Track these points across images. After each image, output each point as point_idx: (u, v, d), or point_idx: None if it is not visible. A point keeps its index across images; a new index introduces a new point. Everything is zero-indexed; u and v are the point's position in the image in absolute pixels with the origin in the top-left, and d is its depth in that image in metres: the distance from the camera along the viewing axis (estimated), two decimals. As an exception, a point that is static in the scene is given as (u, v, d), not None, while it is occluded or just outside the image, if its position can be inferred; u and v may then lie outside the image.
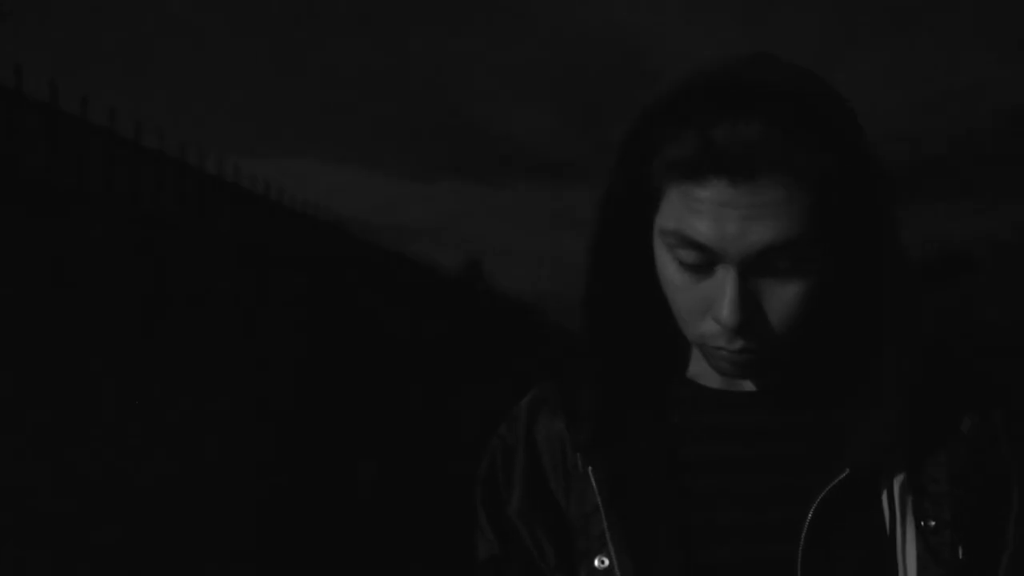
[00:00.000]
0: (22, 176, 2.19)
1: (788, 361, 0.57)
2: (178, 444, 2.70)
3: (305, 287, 3.65)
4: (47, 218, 2.26)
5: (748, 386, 0.61)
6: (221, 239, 3.06)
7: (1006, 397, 0.64)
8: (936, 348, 0.61)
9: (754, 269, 0.53)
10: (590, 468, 0.57)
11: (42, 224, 2.25)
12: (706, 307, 0.53)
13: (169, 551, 2.58)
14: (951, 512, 0.57)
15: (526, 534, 0.63)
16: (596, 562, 0.58)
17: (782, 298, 0.54)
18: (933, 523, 0.58)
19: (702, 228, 0.51)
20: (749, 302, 0.53)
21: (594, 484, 0.58)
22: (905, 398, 0.55)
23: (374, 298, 4.29)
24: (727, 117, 0.50)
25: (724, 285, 0.52)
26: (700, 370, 0.61)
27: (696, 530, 0.58)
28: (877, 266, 0.55)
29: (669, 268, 0.53)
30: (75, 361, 2.32)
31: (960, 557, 0.56)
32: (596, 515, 0.59)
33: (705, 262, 0.52)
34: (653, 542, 0.59)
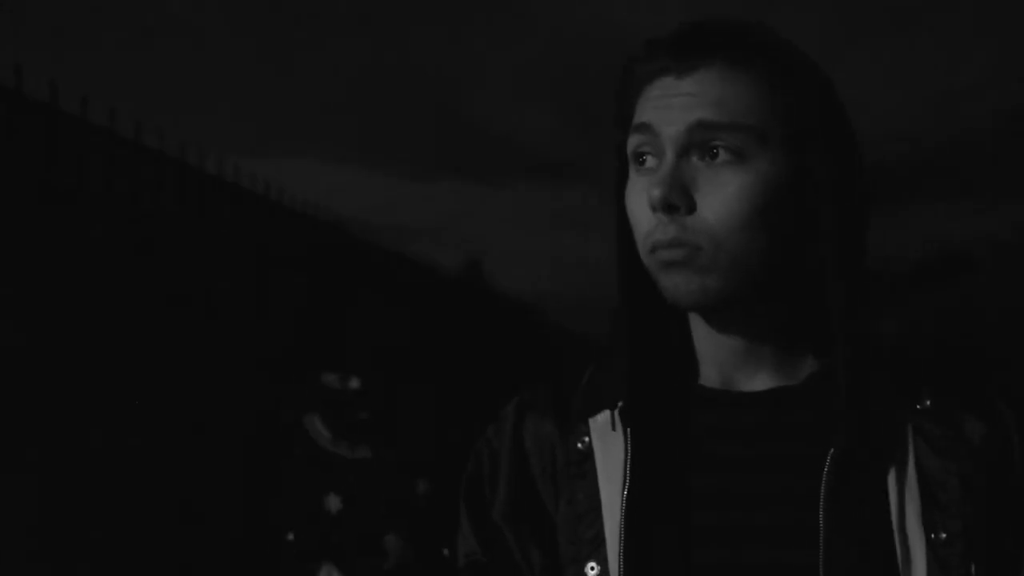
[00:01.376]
0: (22, 176, 2.19)
1: (743, 295, 0.57)
2: (179, 445, 2.70)
3: (305, 287, 3.65)
4: (47, 218, 2.26)
5: (748, 386, 0.63)
6: (221, 239, 3.07)
7: (1019, 404, 0.65)
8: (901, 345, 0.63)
9: (692, 152, 0.56)
10: (628, 430, 0.58)
11: (42, 224, 2.25)
12: (645, 212, 0.57)
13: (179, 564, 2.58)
14: (963, 524, 0.57)
15: (511, 538, 0.64)
16: (587, 568, 0.59)
17: (716, 185, 0.56)
18: (944, 535, 0.58)
19: (649, 111, 0.57)
20: (679, 181, 0.55)
21: (628, 443, 0.57)
22: (846, 384, 0.56)
23: (374, 298, 4.29)
24: (678, 31, 0.58)
25: (656, 164, 0.57)
26: (703, 372, 0.63)
27: (696, 530, 0.60)
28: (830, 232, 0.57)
29: (631, 181, 0.59)
30: (75, 361, 2.32)
31: (973, 572, 0.55)
32: (589, 516, 0.61)
33: (644, 153, 0.58)
34: (654, 540, 0.61)
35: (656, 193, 0.56)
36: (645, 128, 0.58)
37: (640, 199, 0.58)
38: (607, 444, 0.59)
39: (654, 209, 0.56)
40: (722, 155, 0.56)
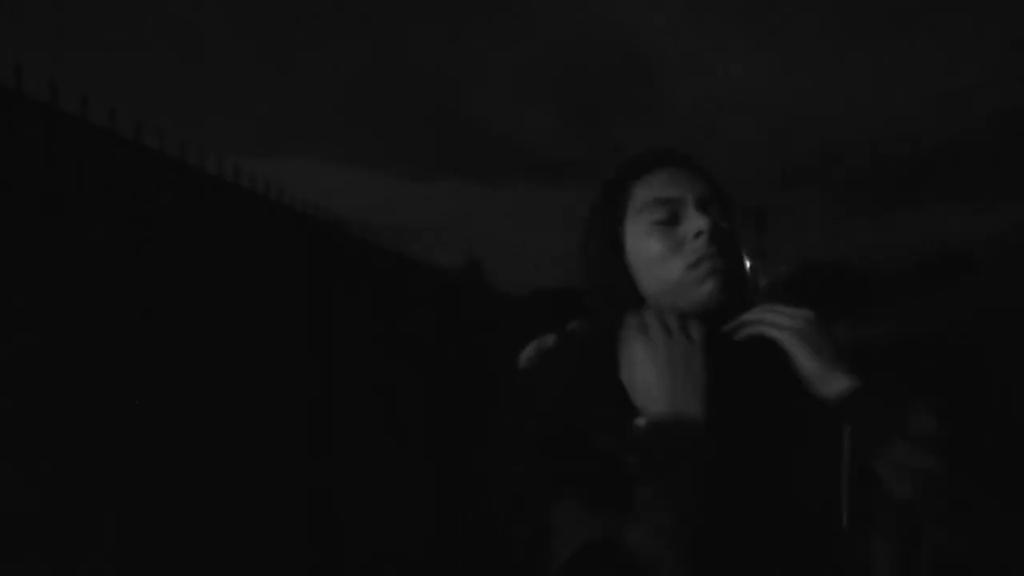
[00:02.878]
0: (22, 176, 2.19)
1: (738, 303, 0.90)
2: (180, 446, 2.70)
3: (306, 287, 3.65)
4: (47, 218, 2.26)
5: None
6: (221, 239, 3.07)
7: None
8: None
9: (704, 210, 0.91)
10: None
11: (42, 224, 2.25)
12: (680, 245, 0.89)
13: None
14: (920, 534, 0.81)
15: None
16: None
17: (723, 229, 0.89)
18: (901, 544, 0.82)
19: (667, 188, 0.90)
20: (714, 223, 0.89)
21: None
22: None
23: (373, 298, 4.29)
24: (652, 148, 0.92)
25: (691, 216, 0.89)
26: None
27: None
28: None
29: (649, 239, 0.90)
30: (75, 361, 2.32)
31: None
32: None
33: (671, 214, 0.90)
34: None
35: (704, 223, 0.87)
36: (668, 200, 0.90)
37: (667, 244, 0.88)
38: None
39: (699, 235, 0.87)
40: (716, 212, 0.91)
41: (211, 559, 2.77)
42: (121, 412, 2.47)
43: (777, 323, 0.86)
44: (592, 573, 0.75)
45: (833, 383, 0.86)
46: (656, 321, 0.84)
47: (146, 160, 2.72)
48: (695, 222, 0.86)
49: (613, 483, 0.80)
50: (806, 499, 0.81)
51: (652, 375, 0.82)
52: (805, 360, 0.85)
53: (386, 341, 4.37)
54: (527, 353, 1.15)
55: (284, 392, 3.40)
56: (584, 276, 0.94)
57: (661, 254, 0.88)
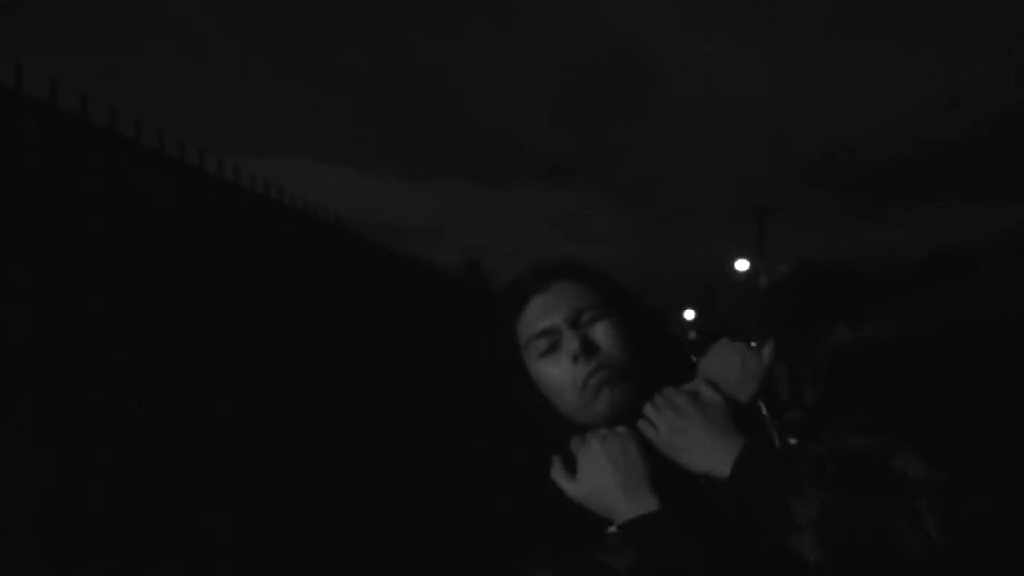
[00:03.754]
0: (22, 176, 2.19)
1: (649, 385, 0.96)
2: (182, 447, 2.70)
3: (306, 287, 3.65)
4: (47, 218, 2.26)
5: None
6: (221, 239, 3.06)
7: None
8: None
9: (578, 326, 0.97)
10: None
11: (42, 224, 2.25)
12: (568, 369, 0.96)
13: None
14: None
15: None
16: None
17: (601, 334, 0.96)
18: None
19: (540, 320, 0.97)
20: (583, 339, 0.95)
21: None
22: None
23: (373, 297, 4.29)
24: (517, 279, 1.01)
25: (566, 340, 0.96)
26: None
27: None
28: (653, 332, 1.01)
29: (540, 373, 0.98)
30: (74, 362, 2.32)
31: None
32: None
33: (552, 343, 0.97)
34: None
35: (575, 346, 0.95)
36: (547, 331, 0.98)
37: (558, 371, 0.96)
38: None
39: (576, 359, 0.94)
40: (589, 319, 0.98)
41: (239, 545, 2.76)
42: (117, 410, 2.47)
43: (649, 430, 0.93)
44: None
45: (717, 471, 0.88)
46: (588, 438, 0.94)
47: (146, 160, 2.72)
48: (569, 346, 0.94)
49: None
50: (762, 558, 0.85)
51: (600, 478, 0.90)
52: (686, 462, 0.90)
53: (386, 340, 4.37)
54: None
55: (283, 392, 3.39)
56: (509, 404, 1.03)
57: (556, 384, 0.96)
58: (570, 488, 0.94)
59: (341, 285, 3.94)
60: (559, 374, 0.95)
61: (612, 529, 0.90)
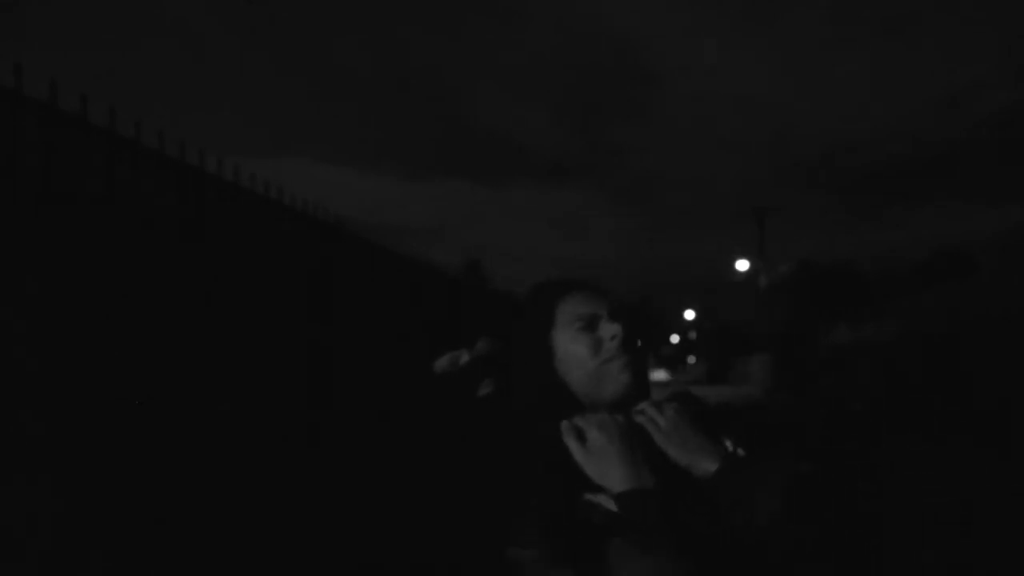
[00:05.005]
0: (22, 176, 2.19)
1: (647, 387, 1.18)
2: (182, 446, 2.70)
3: (306, 286, 3.65)
4: (47, 218, 2.26)
5: None
6: (221, 239, 3.07)
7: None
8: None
9: (615, 320, 1.15)
10: None
11: (42, 224, 2.25)
12: (599, 346, 1.14)
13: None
14: None
15: None
16: None
17: (632, 335, 1.16)
18: None
19: (586, 304, 1.17)
20: (622, 328, 1.14)
21: None
22: None
23: (373, 297, 4.29)
24: (565, 277, 1.26)
25: (605, 325, 1.15)
26: None
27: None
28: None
29: (575, 343, 1.15)
30: (74, 361, 2.32)
31: None
32: None
33: (591, 321, 1.15)
34: None
35: (616, 328, 1.14)
36: (591, 314, 1.17)
37: (590, 344, 1.14)
38: None
39: (613, 338, 1.14)
40: (624, 319, 1.17)
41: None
42: (117, 410, 2.47)
43: (650, 423, 1.11)
44: None
45: (700, 467, 1.07)
46: (592, 418, 1.10)
47: (146, 160, 2.72)
48: (609, 329, 1.14)
49: (582, 540, 1.03)
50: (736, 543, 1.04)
51: (608, 447, 1.07)
52: (675, 454, 1.09)
53: (386, 339, 4.37)
54: (441, 363, 1.40)
55: (283, 392, 3.40)
56: (520, 378, 1.22)
57: (586, 354, 1.15)
58: (578, 451, 1.09)
59: (341, 285, 3.94)
60: (591, 347, 1.14)
61: (590, 496, 1.06)
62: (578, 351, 1.15)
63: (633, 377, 1.15)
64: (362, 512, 3.88)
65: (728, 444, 1.12)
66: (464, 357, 1.34)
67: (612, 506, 1.04)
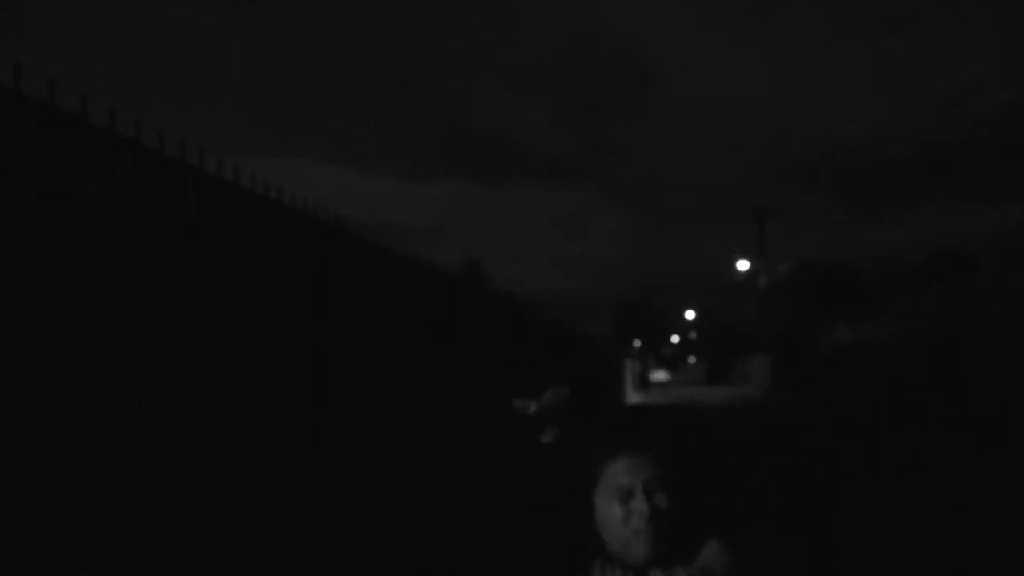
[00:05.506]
0: (22, 176, 2.19)
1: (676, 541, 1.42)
2: (182, 447, 2.70)
3: (305, 287, 3.65)
4: (47, 218, 2.26)
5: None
6: (221, 239, 3.07)
7: None
8: None
9: (647, 491, 1.45)
10: None
11: (42, 224, 2.25)
12: (630, 517, 1.44)
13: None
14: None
15: None
16: None
17: (659, 510, 1.43)
18: None
19: (626, 475, 1.47)
20: (652, 506, 1.44)
21: None
22: None
23: (373, 297, 4.29)
24: (617, 431, 1.52)
25: (637, 499, 1.45)
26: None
27: None
28: None
29: (611, 507, 1.46)
30: (74, 362, 2.32)
31: None
32: None
33: (627, 493, 1.44)
34: None
35: (646, 508, 1.41)
36: (628, 486, 1.43)
37: (622, 513, 1.43)
38: None
39: (640, 516, 1.41)
40: (653, 491, 1.44)
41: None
42: (116, 410, 2.47)
43: None
44: None
45: None
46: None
47: (146, 160, 2.72)
48: (640, 507, 1.39)
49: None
50: None
51: None
52: None
53: (387, 342, 4.37)
54: (546, 400, 1.68)
55: (283, 392, 3.40)
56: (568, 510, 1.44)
57: (619, 520, 1.40)
58: None
59: (341, 285, 3.94)
60: (623, 515, 1.40)
61: None
62: (612, 517, 1.41)
63: (655, 548, 1.38)
64: (362, 512, 3.88)
65: None
66: (532, 407, 1.65)
67: None
